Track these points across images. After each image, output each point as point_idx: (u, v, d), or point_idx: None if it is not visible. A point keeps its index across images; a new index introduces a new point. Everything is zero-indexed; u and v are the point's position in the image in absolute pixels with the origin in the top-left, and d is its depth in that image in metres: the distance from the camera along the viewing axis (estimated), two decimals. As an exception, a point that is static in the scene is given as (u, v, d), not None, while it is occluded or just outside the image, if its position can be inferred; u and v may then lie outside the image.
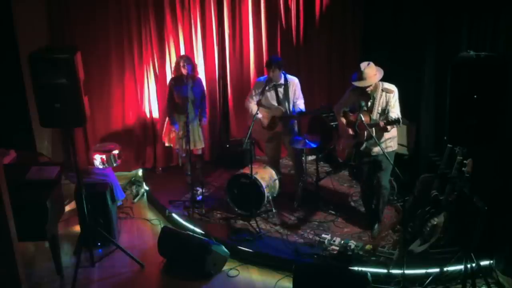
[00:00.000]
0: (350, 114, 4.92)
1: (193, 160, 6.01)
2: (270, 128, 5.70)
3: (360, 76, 4.61)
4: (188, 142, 5.68)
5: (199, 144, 6.02)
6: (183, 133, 5.82)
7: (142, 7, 6.32)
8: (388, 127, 4.61)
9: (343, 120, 4.97)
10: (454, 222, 4.60)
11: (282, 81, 5.57)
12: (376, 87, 4.70)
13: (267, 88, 5.52)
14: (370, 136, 4.67)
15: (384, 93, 4.71)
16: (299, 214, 5.58)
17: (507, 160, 4.43)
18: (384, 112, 4.71)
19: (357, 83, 4.62)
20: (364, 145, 4.84)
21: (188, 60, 5.76)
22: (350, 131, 4.87)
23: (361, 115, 4.62)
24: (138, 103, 6.65)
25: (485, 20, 4.77)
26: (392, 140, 4.85)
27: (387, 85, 4.75)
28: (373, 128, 4.65)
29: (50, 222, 4.38)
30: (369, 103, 4.73)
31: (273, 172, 5.77)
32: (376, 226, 5.17)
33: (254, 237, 5.17)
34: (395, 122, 4.53)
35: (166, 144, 6.17)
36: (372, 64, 4.64)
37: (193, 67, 5.81)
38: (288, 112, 5.58)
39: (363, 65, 4.62)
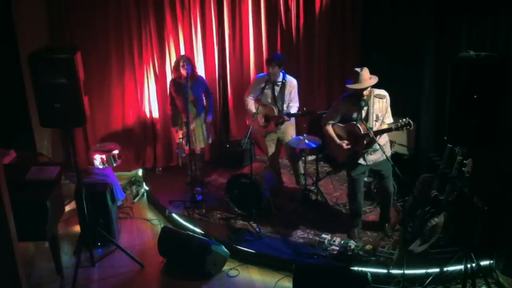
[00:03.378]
0: (340, 124, 4.87)
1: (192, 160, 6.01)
2: (263, 126, 5.71)
3: (356, 79, 4.58)
4: (188, 142, 5.68)
5: (203, 143, 6.02)
6: (183, 133, 5.83)
7: (142, 7, 6.32)
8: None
9: (331, 131, 4.92)
10: (454, 222, 4.61)
11: (280, 79, 5.57)
12: (369, 93, 4.67)
13: (265, 86, 5.53)
14: (369, 145, 4.67)
15: (377, 99, 4.69)
16: (299, 214, 5.57)
17: (507, 160, 4.43)
18: (378, 118, 4.69)
19: (353, 86, 4.59)
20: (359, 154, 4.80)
21: (188, 60, 5.74)
22: (345, 145, 4.80)
23: (358, 124, 4.62)
24: (138, 103, 6.65)
25: (485, 20, 4.77)
26: (386, 146, 4.81)
27: (378, 91, 4.72)
28: (377, 136, 4.60)
29: (50, 222, 4.38)
30: (363, 112, 4.70)
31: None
32: (386, 225, 5.17)
33: (254, 237, 5.17)
34: (406, 125, 4.46)
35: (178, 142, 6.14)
36: (366, 68, 4.64)
37: (192, 67, 5.79)
38: (281, 112, 5.57)
39: (358, 69, 4.62)
